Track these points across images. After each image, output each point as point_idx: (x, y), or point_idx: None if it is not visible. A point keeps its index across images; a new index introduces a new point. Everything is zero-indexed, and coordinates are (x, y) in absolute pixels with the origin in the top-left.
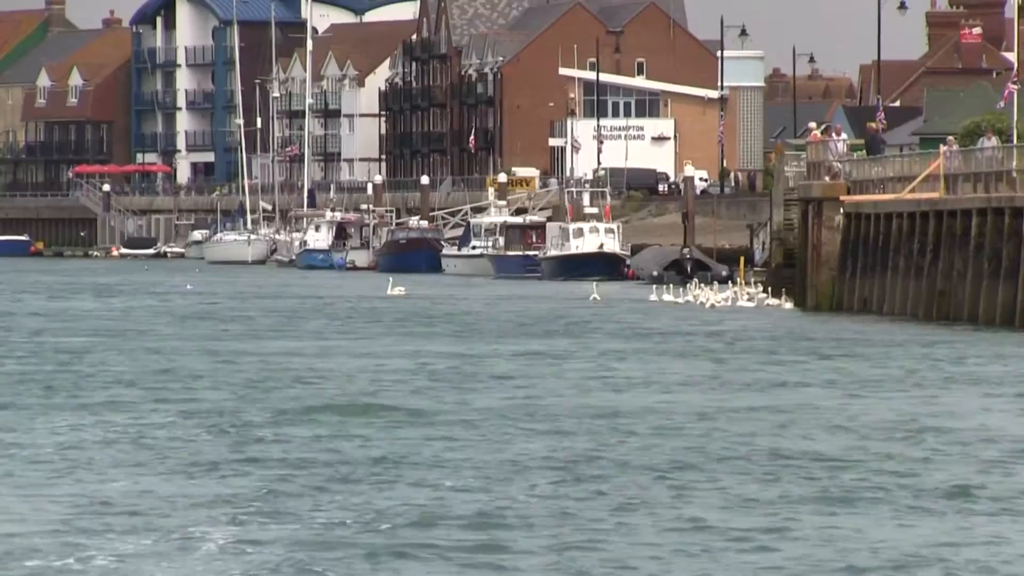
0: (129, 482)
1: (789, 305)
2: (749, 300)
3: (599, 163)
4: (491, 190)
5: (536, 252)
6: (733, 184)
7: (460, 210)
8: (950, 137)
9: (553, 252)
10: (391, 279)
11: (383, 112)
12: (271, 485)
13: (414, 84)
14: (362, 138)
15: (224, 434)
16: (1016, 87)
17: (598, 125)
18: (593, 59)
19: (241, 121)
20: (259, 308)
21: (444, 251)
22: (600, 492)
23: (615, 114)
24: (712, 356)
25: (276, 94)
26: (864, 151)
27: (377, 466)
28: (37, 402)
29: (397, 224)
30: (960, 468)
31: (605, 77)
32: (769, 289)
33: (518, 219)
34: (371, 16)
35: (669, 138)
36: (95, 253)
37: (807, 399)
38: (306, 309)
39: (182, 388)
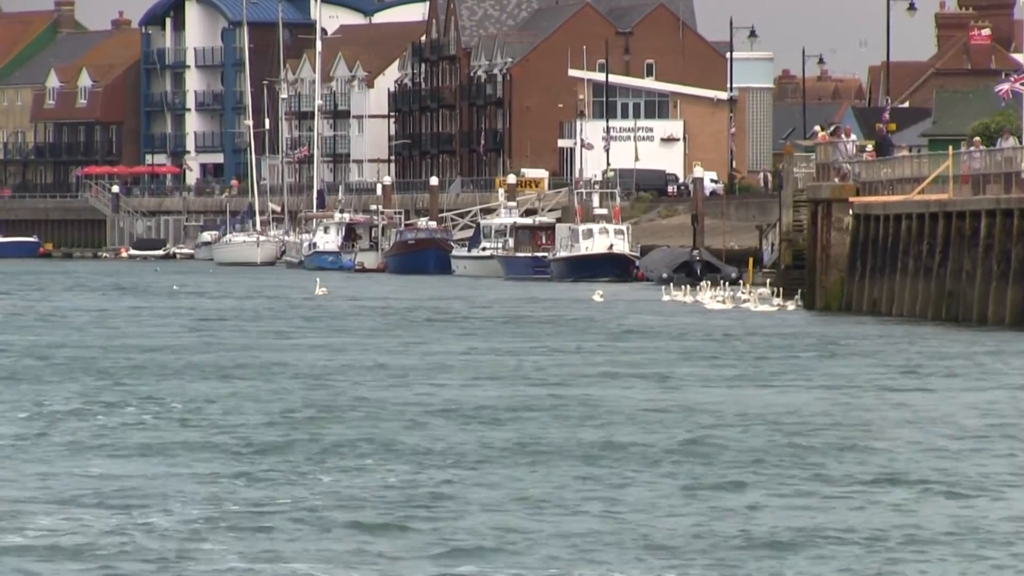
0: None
1: (789, 305)
2: (746, 302)
3: (608, 164)
4: (500, 191)
5: (545, 253)
6: (762, 184)
7: (469, 211)
8: (976, 138)
9: (562, 253)
10: (318, 279)
11: (392, 113)
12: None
13: (423, 85)
14: (371, 139)
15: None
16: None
17: (607, 126)
18: (602, 60)
19: (250, 122)
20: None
21: (453, 252)
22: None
23: (624, 115)
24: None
25: (285, 95)
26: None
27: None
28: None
29: (406, 225)
30: None
31: (614, 78)
32: (778, 290)
33: (527, 220)
34: (380, 17)
35: (678, 139)
36: (104, 254)
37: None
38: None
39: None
